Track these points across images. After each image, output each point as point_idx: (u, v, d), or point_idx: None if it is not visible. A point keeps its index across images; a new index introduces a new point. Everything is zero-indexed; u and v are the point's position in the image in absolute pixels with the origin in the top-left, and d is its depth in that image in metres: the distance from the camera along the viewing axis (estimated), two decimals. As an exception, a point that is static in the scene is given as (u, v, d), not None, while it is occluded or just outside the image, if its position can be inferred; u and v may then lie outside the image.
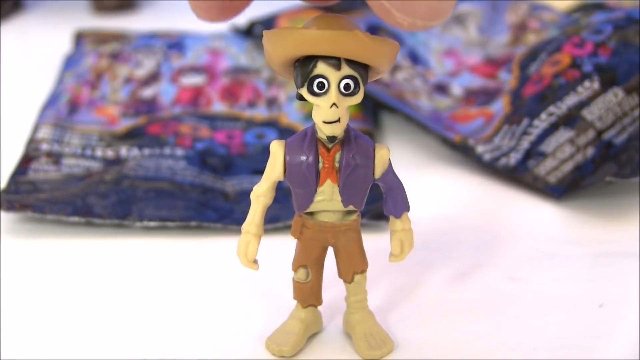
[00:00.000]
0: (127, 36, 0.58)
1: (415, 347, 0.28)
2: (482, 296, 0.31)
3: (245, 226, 0.26)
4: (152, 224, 0.35)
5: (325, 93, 0.23)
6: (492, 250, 0.34)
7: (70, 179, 0.39)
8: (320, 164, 0.24)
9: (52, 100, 0.48)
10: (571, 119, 0.39)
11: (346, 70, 0.23)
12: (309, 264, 0.27)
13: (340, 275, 0.27)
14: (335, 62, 0.22)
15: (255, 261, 0.26)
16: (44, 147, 0.42)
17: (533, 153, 0.40)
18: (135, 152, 0.42)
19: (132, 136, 0.44)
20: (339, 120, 0.23)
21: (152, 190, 0.37)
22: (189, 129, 0.44)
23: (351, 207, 0.25)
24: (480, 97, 0.48)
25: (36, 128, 0.44)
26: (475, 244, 0.35)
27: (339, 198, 0.25)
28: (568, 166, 0.39)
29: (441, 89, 0.49)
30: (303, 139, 0.24)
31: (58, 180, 0.39)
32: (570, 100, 0.39)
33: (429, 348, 0.28)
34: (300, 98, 0.24)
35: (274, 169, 0.25)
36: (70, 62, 0.54)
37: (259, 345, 0.28)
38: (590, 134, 0.39)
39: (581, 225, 0.36)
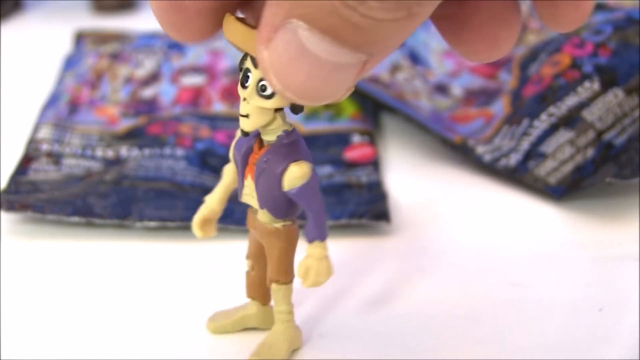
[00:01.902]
0: (127, 36, 0.58)
1: (415, 352, 0.28)
2: (482, 301, 0.31)
3: (206, 196, 0.27)
4: (152, 224, 0.35)
5: (247, 87, 0.23)
6: (492, 253, 0.34)
7: (70, 179, 0.39)
8: (250, 158, 0.25)
9: (52, 101, 0.48)
10: (571, 120, 0.39)
11: None
12: (250, 256, 0.28)
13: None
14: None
15: (203, 230, 0.27)
16: (44, 147, 0.42)
17: (533, 154, 0.40)
18: (135, 152, 0.42)
19: (132, 136, 0.44)
20: (247, 116, 0.23)
21: (152, 190, 0.37)
22: (189, 129, 0.44)
23: (267, 212, 0.25)
24: (481, 97, 0.48)
25: (36, 128, 0.44)
26: (475, 247, 0.35)
27: (256, 196, 0.25)
28: (568, 167, 0.39)
29: (441, 89, 0.49)
30: (256, 132, 0.25)
31: (58, 180, 0.39)
32: (570, 100, 0.39)
33: (428, 353, 0.28)
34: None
35: (230, 151, 0.26)
36: (70, 62, 0.54)
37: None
38: (590, 134, 0.39)
39: (581, 227, 0.36)
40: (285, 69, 0.18)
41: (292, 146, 0.24)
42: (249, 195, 0.26)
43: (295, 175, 0.24)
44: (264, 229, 0.26)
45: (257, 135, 0.25)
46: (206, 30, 0.22)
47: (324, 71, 0.18)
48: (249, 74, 0.23)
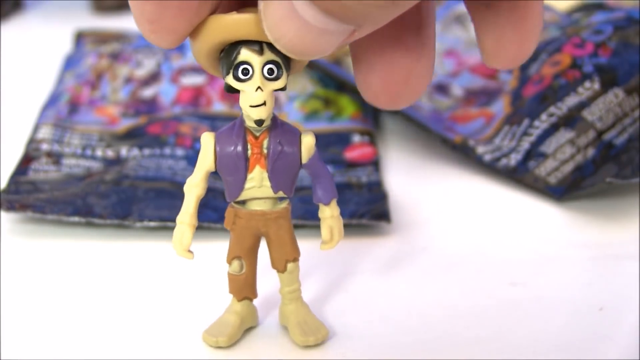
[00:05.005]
0: (127, 36, 0.58)
1: (415, 351, 0.28)
2: (482, 301, 0.31)
3: (180, 217, 0.27)
4: (152, 224, 0.35)
5: (250, 78, 0.24)
6: (492, 253, 0.34)
7: (70, 179, 0.39)
8: (249, 151, 0.25)
9: (52, 100, 0.48)
10: (572, 120, 0.39)
11: (268, 55, 0.23)
12: (242, 254, 0.27)
13: (273, 265, 0.28)
14: (258, 47, 0.23)
15: (190, 251, 0.27)
16: (44, 147, 0.42)
17: (533, 154, 0.40)
18: (135, 152, 0.42)
19: (132, 136, 0.44)
20: (264, 104, 0.24)
21: (153, 190, 0.37)
22: (189, 129, 0.44)
23: (281, 194, 0.26)
24: (481, 97, 0.48)
25: (36, 128, 0.44)
26: (475, 247, 0.35)
27: (268, 184, 0.26)
28: (568, 167, 0.39)
29: (441, 89, 0.49)
30: (232, 129, 0.25)
31: (58, 180, 0.39)
32: (571, 100, 0.39)
33: (429, 352, 0.28)
34: (229, 90, 0.24)
35: (205, 160, 0.26)
36: (70, 62, 0.54)
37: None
38: (591, 134, 0.39)
39: (581, 227, 0.36)
40: (277, 25, 0.19)
41: (284, 122, 0.26)
42: (255, 188, 0.26)
43: (311, 144, 0.26)
44: (269, 215, 0.26)
45: (242, 129, 0.25)
46: (180, 27, 0.22)
47: (311, 34, 0.19)
48: (246, 66, 0.23)
